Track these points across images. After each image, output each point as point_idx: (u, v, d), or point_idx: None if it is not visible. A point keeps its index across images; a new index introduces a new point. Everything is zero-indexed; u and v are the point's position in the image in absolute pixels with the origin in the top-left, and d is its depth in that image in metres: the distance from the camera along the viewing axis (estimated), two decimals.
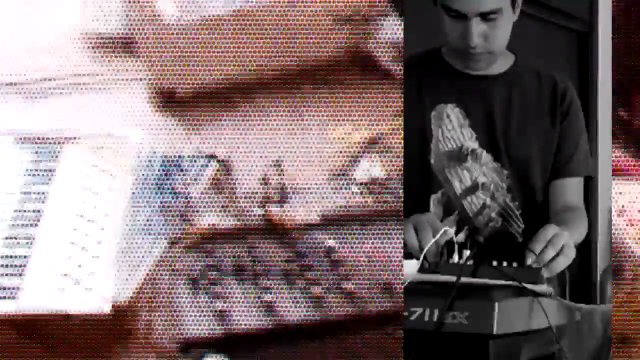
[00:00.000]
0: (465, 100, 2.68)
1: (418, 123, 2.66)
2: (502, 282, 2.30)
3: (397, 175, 2.53)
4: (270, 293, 2.47)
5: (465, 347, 2.21)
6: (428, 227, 2.40)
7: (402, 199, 2.47)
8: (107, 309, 2.34)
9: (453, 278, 2.27)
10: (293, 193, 2.52)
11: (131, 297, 2.38)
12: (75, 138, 2.55)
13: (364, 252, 2.49)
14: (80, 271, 2.37)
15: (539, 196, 2.74)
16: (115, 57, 2.65)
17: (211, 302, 2.46)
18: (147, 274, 2.42)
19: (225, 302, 2.45)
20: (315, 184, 2.53)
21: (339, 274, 2.48)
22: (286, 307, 2.46)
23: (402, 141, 2.46)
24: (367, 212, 2.51)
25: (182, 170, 2.53)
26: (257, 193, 2.50)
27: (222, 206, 2.50)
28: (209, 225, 2.48)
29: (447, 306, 2.21)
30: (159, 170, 2.52)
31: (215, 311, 2.46)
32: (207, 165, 2.54)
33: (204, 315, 2.44)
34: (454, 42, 2.61)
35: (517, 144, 2.68)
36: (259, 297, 2.47)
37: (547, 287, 2.37)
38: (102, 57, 2.65)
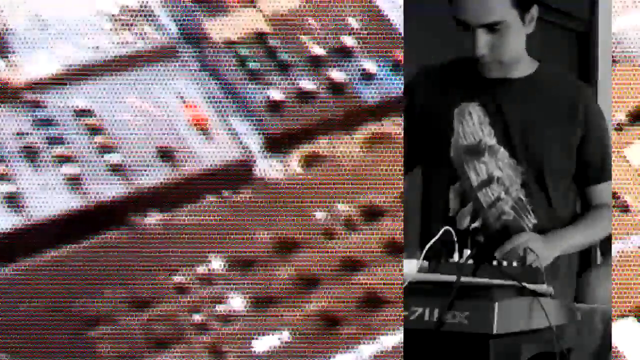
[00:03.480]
0: (487, 100, 2.73)
1: (441, 119, 2.73)
2: (502, 281, 2.31)
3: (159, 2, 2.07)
4: (11, 182, 1.97)
5: (465, 346, 2.21)
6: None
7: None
8: None
9: (453, 278, 2.28)
10: (16, 39, 1.91)
11: None
12: None
13: (128, 109, 1.99)
14: None
15: (552, 195, 2.77)
16: None
17: None
18: None
19: None
20: (48, 20, 1.90)
21: (99, 143, 1.99)
22: (36, 198, 1.93)
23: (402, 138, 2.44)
24: (126, 56, 1.95)
25: None
26: None
27: None
28: None
29: (447, 306, 2.21)
30: None
31: None
32: None
33: None
34: (470, 51, 2.66)
35: (533, 144, 2.73)
36: None
37: (547, 287, 2.37)
38: None
